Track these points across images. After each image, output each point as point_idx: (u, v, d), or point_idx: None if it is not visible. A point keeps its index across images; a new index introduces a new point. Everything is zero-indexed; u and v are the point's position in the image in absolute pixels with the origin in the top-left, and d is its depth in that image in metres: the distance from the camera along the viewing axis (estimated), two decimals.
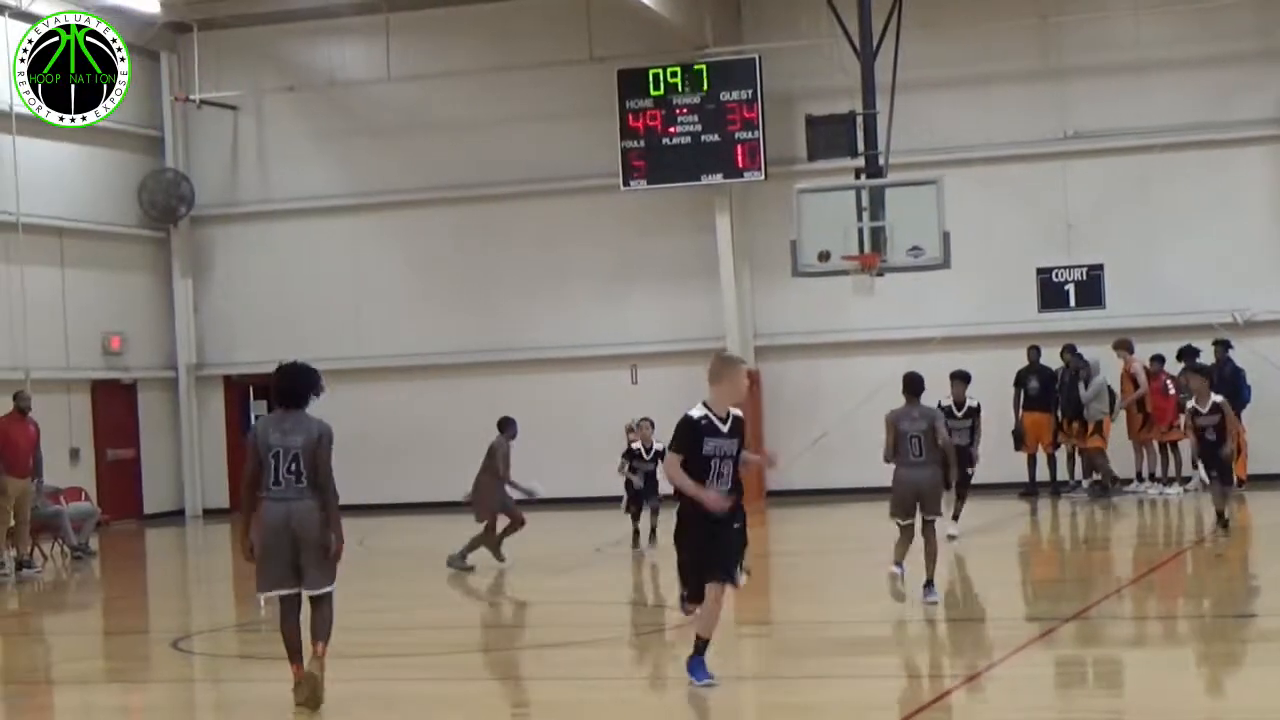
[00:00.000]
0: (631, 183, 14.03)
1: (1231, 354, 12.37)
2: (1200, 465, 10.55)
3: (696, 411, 4.35)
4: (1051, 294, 13.14)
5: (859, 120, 12.09)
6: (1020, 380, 12.73)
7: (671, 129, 13.95)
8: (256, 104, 15.12)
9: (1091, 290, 12.90)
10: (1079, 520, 11.90)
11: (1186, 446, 11.10)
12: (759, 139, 13.63)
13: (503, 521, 8.89)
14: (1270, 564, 8.23)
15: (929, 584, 6.15)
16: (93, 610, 9.66)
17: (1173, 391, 12.14)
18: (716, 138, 13.90)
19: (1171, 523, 11.73)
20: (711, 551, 4.35)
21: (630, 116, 13.98)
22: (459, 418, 13.64)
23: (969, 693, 4.17)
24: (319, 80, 15.01)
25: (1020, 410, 12.69)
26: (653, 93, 13.97)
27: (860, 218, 11.54)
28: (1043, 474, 12.79)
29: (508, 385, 13.94)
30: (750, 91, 13.76)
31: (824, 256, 11.88)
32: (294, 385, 4.77)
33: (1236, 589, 7.27)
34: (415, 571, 9.72)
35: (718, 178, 13.89)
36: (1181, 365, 12.06)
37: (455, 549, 8.81)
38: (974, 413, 10.03)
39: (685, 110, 13.91)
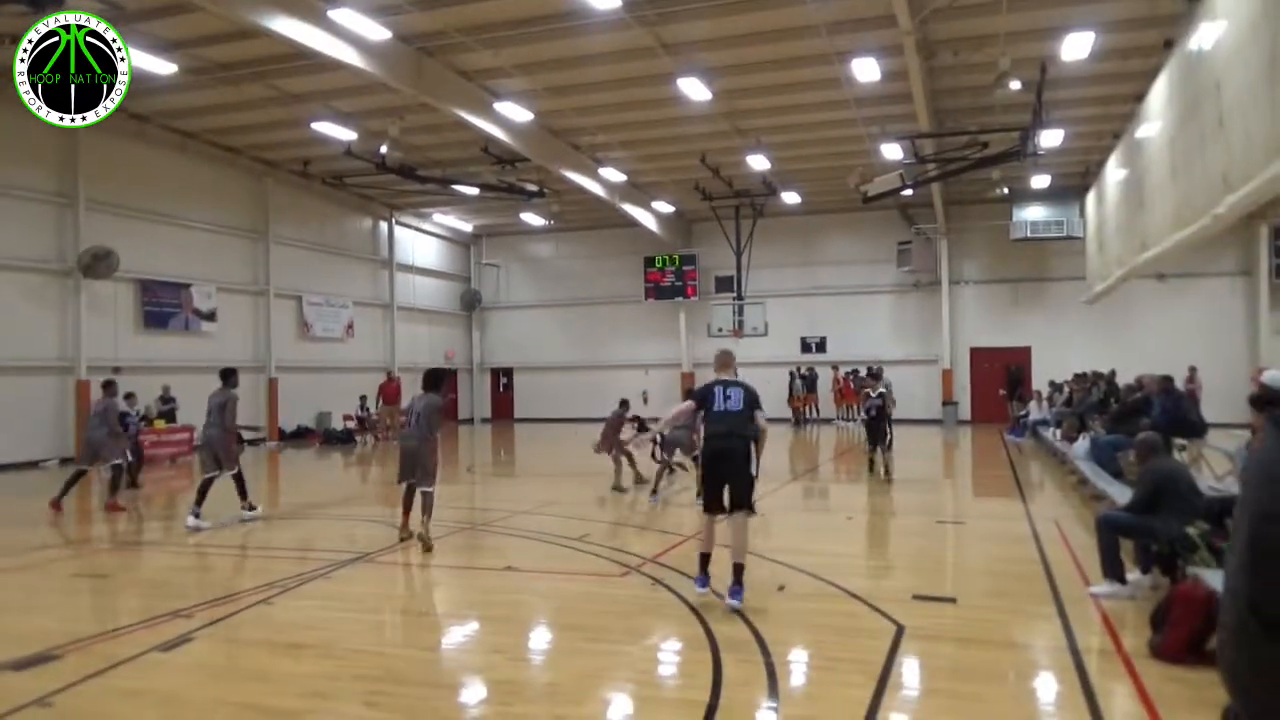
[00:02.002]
0: (648, 299, 34.38)
1: None
2: None
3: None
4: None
5: (735, 279, 32.08)
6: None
7: (662, 279, 34.00)
8: (507, 265, 36.14)
9: None
10: None
11: None
12: (696, 284, 33.36)
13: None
14: None
15: None
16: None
17: None
18: (680, 283, 33.84)
19: None
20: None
21: (647, 273, 34.16)
22: (582, 400, 34.12)
23: None
24: (530, 255, 35.81)
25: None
26: (656, 265, 33.94)
27: (733, 314, 31.55)
28: None
29: (589, 378, 34.19)
30: (694, 266, 33.49)
31: (720, 330, 31.98)
32: (433, 377, 9.56)
33: None
34: None
35: (680, 299, 33.72)
36: None
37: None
38: None
39: (669, 272, 34.10)
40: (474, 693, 5.20)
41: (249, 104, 19.89)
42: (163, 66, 16.51)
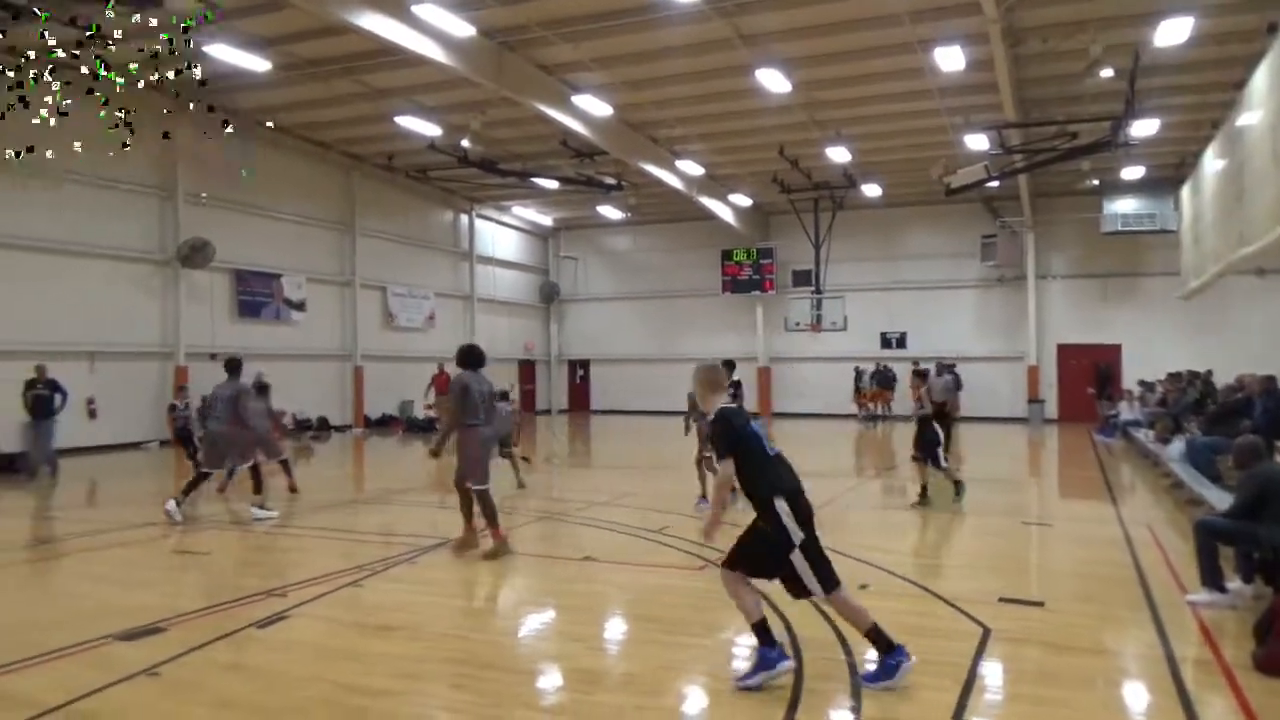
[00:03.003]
0: (725, 292, 34.14)
1: None
2: None
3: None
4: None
5: (813, 273, 31.69)
6: None
7: (740, 272, 33.68)
8: (585, 257, 36.27)
9: None
10: None
11: None
12: (773, 278, 33.01)
13: None
14: None
15: None
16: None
17: None
18: (757, 276, 33.57)
19: None
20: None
21: (724, 267, 33.92)
22: (658, 392, 34.21)
23: None
24: (607, 248, 35.91)
25: None
26: (734, 258, 33.64)
27: (811, 308, 31.21)
28: None
29: (665, 371, 34.21)
30: (771, 259, 33.15)
31: (797, 324, 31.67)
32: (464, 355, 8.46)
33: None
34: None
35: (757, 293, 33.43)
36: None
37: None
38: None
39: (747, 265, 33.82)
40: (555, 680, 5.28)
41: (337, 99, 20.43)
42: (258, 64, 17.06)
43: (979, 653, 5.51)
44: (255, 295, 22.84)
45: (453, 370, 9.13)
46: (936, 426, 11.32)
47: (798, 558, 4.86)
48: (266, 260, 23.13)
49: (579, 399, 35.92)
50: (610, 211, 31.20)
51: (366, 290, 26.50)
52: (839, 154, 23.07)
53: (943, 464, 11.41)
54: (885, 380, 30.08)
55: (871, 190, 27.50)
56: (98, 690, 4.91)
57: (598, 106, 19.75)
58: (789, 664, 4.93)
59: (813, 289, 30.11)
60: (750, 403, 32.38)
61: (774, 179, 26.28)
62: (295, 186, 23.96)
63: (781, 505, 4.84)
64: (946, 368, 12.93)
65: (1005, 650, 5.62)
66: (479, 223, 31.89)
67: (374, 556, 8.41)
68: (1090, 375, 27.73)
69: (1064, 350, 29.02)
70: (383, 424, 26.45)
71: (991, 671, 5.30)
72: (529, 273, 35.08)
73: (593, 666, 5.47)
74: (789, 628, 5.90)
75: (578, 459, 20.27)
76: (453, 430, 8.33)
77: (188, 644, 5.70)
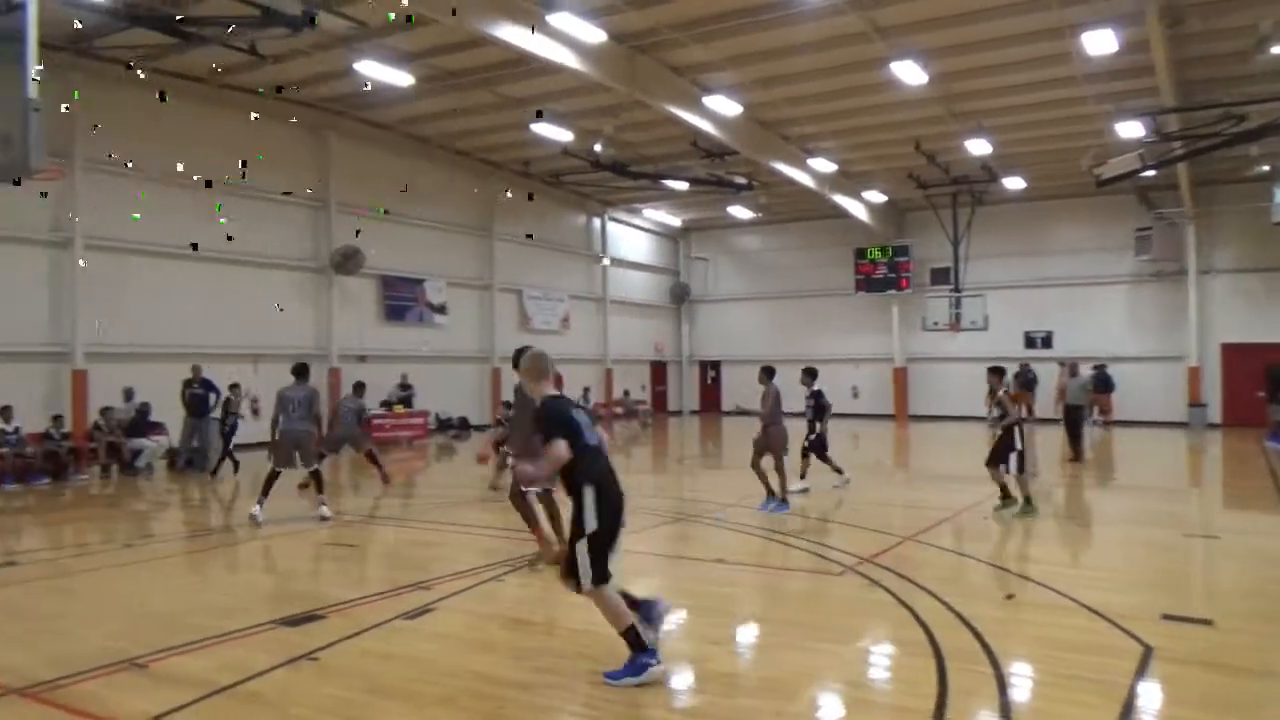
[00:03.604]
0: (859, 291, 33.33)
1: None
2: None
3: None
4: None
5: (952, 270, 30.62)
6: None
7: (874, 270, 32.77)
8: (715, 258, 36.23)
9: None
10: None
11: None
12: (909, 276, 31.88)
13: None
14: None
15: None
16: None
17: None
18: (893, 274, 32.54)
19: None
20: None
21: (858, 265, 33.13)
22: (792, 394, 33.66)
23: None
24: (738, 248, 35.55)
25: None
26: (868, 256, 32.81)
27: (950, 307, 30.15)
28: None
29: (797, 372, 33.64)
30: (907, 257, 31.95)
31: (935, 324, 30.66)
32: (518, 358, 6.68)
33: None
34: None
35: (893, 292, 32.33)
36: None
37: None
38: None
39: (881, 264, 32.89)
40: (693, 681, 5.30)
41: (476, 109, 21.12)
42: (401, 78, 17.83)
43: (1139, 672, 5.20)
44: (400, 300, 23.86)
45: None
46: (1016, 432, 10.74)
47: (581, 546, 4.94)
48: (411, 266, 24.12)
49: (710, 400, 35.87)
50: (740, 211, 31.05)
51: (504, 294, 27.29)
52: (979, 147, 22.22)
53: (1015, 471, 10.70)
54: (1027, 382, 28.69)
55: (1014, 183, 26.36)
56: (263, 672, 5.25)
57: (728, 106, 19.70)
58: (658, 668, 4.98)
59: (951, 287, 28.93)
60: (885, 404, 31.64)
61: (909, 174, 25.56)
62: (436, 194, 24.90)
63: (589, 493, 4.96)
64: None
65: (1168, 670, 5.28)
66: (611, 225, 32.32)
67: (511, 553, 8.65)
68: (1260, 377, 25.68)
69: (1229, 350, 27.00)
70: None
71: (1152, 692, 5.00)
72: (660, 274, 35.30)
73: (729, 669, 5.46)
74: (932, 640, 5.73)
75: (708, 460, 20.25)
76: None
77: (343, 632, 6.01)
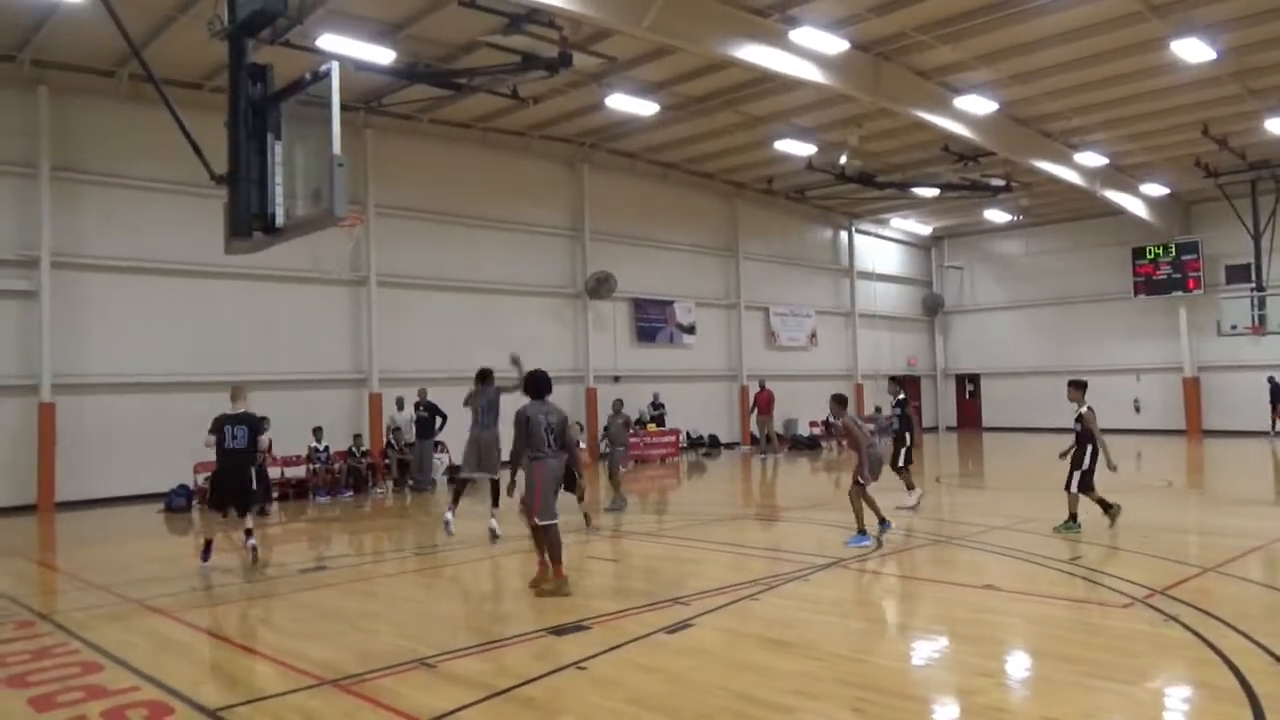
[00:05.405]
0: (1137, 295, 30.10)
1: None
2: None
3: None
4: None
5: (1253, 267, 26.99)
6: None
7: (1155, 271, 29.39)
8: (970, 266, 34.41)
9: None
10: None
11: None
12: (1199, 276, 28.30)
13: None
14: None
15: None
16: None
17: None
18: (1178, 275, 29.08)
19: None
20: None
21: (1136, 266, 30.05)
22: (1059, 408, 31.14)
23: None
24: (995, 254, 33.25)
25: None
26: (1147, 255, 29.46)
27: (1251, 308, 26.78)
28: None
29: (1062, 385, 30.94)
30: (1196, 254, 28.49)
31: (1234, 327, 27.33)
32: (545, 382, 7.97)
33: None
34: None
35: (1179, 293, 28.99)
36: None
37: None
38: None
39: (1164, 263, 29.53)
40: (962, 714, 5.03)
41: (719, 131, 21.45)
42: (647, 108, 18.49)
43: None
44: (651, 321, 24.63)
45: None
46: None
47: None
48: (660, 288, 24.85)
49: (968, 415, 34.02)
50: (996, 215, 29.28)
51: (750, 311, 27.40)
52: None
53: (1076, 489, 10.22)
54: None
55: None
56: (536, 679, 5.57)
57: (981, 105, 18.72)
58: None
59: (1253, 285, 25.70)
60: (1174, 419, 28.49)
61: (1196, 162, 23.05)
62: (683, 217, 25.52)
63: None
64: None
65: None
66: (858, 238, 31.59)
67: (766, 571, 8.63)
68: None
69: None
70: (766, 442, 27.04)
71: None
72: (910, 285, 33.99)
73: (1003, 704, 5.13)
74: (1246, 685, 5.08)
75: (969, 479, 19.19)
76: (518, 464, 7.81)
77: (608, 643, 6.26)
